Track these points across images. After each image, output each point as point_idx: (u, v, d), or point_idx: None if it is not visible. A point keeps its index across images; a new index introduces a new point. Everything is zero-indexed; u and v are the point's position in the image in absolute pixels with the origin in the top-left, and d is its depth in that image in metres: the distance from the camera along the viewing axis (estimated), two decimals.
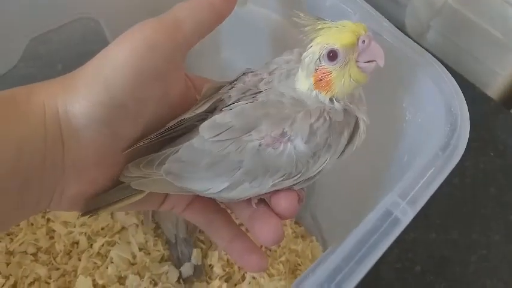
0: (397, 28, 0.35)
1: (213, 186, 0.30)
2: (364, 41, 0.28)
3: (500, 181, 0.64)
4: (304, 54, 0.30)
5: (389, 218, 0.26)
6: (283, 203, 0.31)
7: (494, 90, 0.71)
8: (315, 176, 0.30)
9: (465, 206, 0.62)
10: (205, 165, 0.29)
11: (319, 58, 0.29)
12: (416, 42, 0.32)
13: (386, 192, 0.33)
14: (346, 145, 0.30)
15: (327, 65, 0.29)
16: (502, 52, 0.67)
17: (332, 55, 0.28)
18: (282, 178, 0.29)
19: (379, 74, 0.31)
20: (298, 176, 0.29)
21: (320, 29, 0.29)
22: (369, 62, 0.29)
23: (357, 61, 0.29)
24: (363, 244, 0.25)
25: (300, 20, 0.30)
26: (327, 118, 0.29)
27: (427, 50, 0.32)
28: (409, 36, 0.34)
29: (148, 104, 0.31)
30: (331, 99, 0.30)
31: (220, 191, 0.30)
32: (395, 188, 0.28)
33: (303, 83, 0.30)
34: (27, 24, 0.45)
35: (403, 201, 0.27)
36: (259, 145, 0.29)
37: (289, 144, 0.29)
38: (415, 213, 0.27)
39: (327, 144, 0.29)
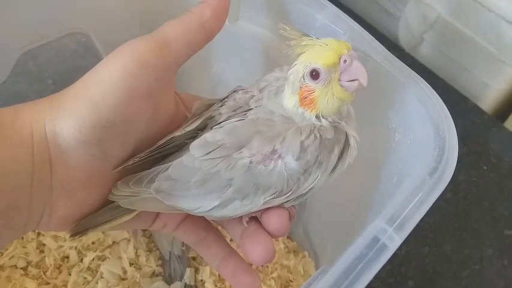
0: (390, 41, 0.35)
1: (203, 205, 0.30)
2: (345, 61, 0.28)
3: (494, 195, 0.64)
4: (289, 71, 0.30)
5: (376, 245, 0.26)
6: (274, 221, 0.30)
7: (487, 103, 0.71)
8: (306, 193, 0.30)
9: (458, 220, 0.62)
10: (195, 183, 0.29)
11: (303, 76, 0.29)
12: (410, 55, 0.33)
13: (376, 211, 0.33)
14: (337, 162, 0.30)
15: (310, 83, 0.29)
16: (494, 65, 0.67)
17: (314, 74, 0.29)
18: (273, 196, 0.29)
19: (368, 94, 0.31)
20: (290, 193, 0.29)
21: (305, 45, 0.29)
22: (352, 80, 0.29)
23: (339, 80, 0.29)
24: (350, 272, 0.25)
25: (286, 33, 0.30)
26: (317, 135, 0.29)
27: (419, 63, 0.32)
28: (402, 49, 0.35)
29: (138, 124, 0.30)
30: (317, 117, 0.30)
31: (210, 209, 0.30)
32: (382, 214, 0.27)
33: (289, 100, 0.30)
34: (17, 38, 0.45)
35: (390, 228, 0.27)
36: (250, 162, 0.29)
37: (280, 161, 0.29)
38: (403, 239, 0.27)
39: (317, 162, 0.29)
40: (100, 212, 0.32)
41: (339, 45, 0.29)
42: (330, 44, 0.29)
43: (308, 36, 0.30)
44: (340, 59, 0.29)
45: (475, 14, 0.65)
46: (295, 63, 0.30)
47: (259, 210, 0.31)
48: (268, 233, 0.31)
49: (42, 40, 0.46)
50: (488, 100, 0.71)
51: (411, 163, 0.33)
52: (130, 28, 0.48)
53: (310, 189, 0.30)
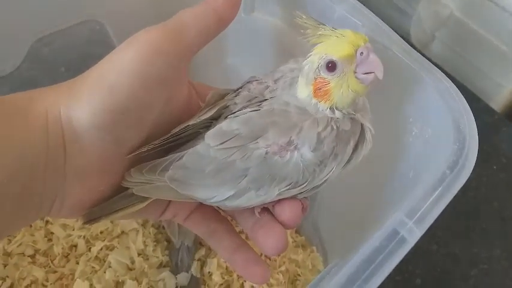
0: (402, 38, 0.34)
1: (217, 194, 0.30)
2: (362, 53, 0.28)
3: (503, 195, 0.64)
4: (304, 62, 0.30)
5: (396, 238, 0.26)
6: (288, 211, 0.30)
7: (498, 102, 0.71)
8: (321, 184, 0.30)
9: (467, 219, 0.61)
10: (210, 172, 0.29)
11: (318, 68, 0.29)
12: (421, 53, 0.32)
13: (389, 207, 0.33)
14: (352, 154, 0.30)
15: (325, 75, 0.29)
16: (506, 65, 0.66)
17: (330, 66, 0.28)
18: (288, 187, 0.29)
19: (386, 87, 0.31)
20: (305, 184, 0.29)
21: (320, 35, 0.29)
22: (367, 73, 0.28)
23: (355, 72, 0.29)
24: (369, 264, 0.25)
25: (302, 21, 0.30)
26: (334, 127, 0.29)
27: (431, 60, 0.31)
28: (414, 47, 0.34)
29: (152, 110, 0.30)
30: (331, 109, 0.30)
31: (225, 199, 0.30)
32: (402, 207, 0.27)
33: (303, 91, 0.30)
34: (31, 25, 0.45)
35: (410, 221, 0.26)
36: (266, 153, 0.28)
37: (296, 152, 0.28)
38: (422, 232, 0.26)
39: (333, 153, 0.29)
40: (113, 200, 0.31)
41: (356, 37, 0.28)
42: (346, 36, 0.29)
43: (324, 26, 0.30)
44: (356, 51, 0.28)
45: (488, 13, 0.64)
46: (310, 53, 0.30)
47: (272, 201, 0.30)
48: (281, 223, 0.31)
49: (56, 27, 0.46)
50: (499, 99, 0.71)
51: (429, 158, 0.33)
52: (144, 16, 0.48)
53: (325, 180, 0.30)
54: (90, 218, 0.31)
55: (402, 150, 0.36)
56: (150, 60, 0.28)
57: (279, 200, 0.30)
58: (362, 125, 0.30)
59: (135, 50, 0.28)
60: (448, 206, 0.29)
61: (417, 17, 0.72)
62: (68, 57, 0.48)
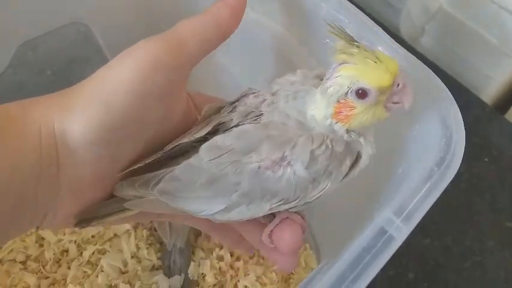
0: (392, 32, 0.34)
1: (208, 208, 0.29)
2: (399, 85, 0.27)
3: (495, 187, 0.64)
4: (329, 83, 0.28)
5: (383, 237, 0.26)
6: (288, 239, 0.30)
7: (488, 95, 0.71)
8: (313, 201, 0.30)
9: (459, 212, 0.61)
10: (201, 184, 0.29)
11: (346, 92, 0.27)
12: (411, 47, 0.32)
13: (380, 203, 0.33)
14: (348, 171, 0.29)
15: (354, 100, 0.27)
16: (496, 57, 0.66)
17: (362, 93, 0.27)
18: (280, 203, 0.29)
19: None
20: (297, 201, 0.29)
21: (353, 55, 0.27)
22: (396, 102, 0.28)
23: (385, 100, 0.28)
24: (357, 263, 0.25)
25: (333, 32, 0.28)
26: (329, 146, 0.28)
27: (421, 54, 0.31)
28: (403, 41, 0.34)
29: (149, 125, 0.30)
30: (347, 131, 0.29)
31: (215, 213, 0.29)
32: (389, 204, 0.27)
33: (320, 110, 0.29)
34: (15, 29, 0.44)
35: (397, 219, 0.26)
36: (258, 167, 0.28)
37: (289, 168, 0.28)
38: (410, 230, 0.26)
39: (327, 171, 0.28)
40: (105, 203, 0.31)
41: (393, 65, 0.27)
42: (384, 62, 0.26)
43: (358, 43, 0.27)
44: (394, 82, 0.27)
45: (477, 5, 0.64)
46: (337, 74, 0.27)
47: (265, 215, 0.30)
48: (280, 249, 0.30)
49: (41, 31, 0.45)
50: (489, 92, 0.71)
51: (417, 154, 0.33)
52: (130, 18, 0.48)
53: (318, 197, 0.29)
54: (82, 219, 0.31)
55: (391, 147, 0.36)
56: (148, 75, 0.28)
57: (279, 224, 0.30)
58: (360, 147, 0.29)
59: (133, 65, 0.27)
60: (439, 199, 0.29)
61: (406, 11, 0.72)
62: (53, 60, 0.48)
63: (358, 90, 0.27)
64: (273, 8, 0.40)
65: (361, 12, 0.35)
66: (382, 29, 0.35)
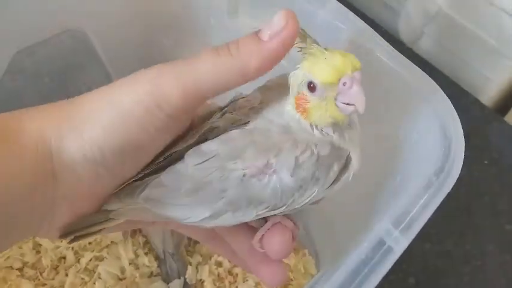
0: (391, 35, 0.34)
1: (193, 215, 0.29)
2: (345, 83, 0.27)
3: (495, 190, 0.64)
4: (291, 73, 0.29)
5: (382, 248, 0.26)
6: (277, 244, 0.29)
7: (488, 97, 0.71)
8: (302, 206, 0.29)
9: (459, 215, 0.61)
10: (186, 190, 0.28)
11: (301, 83, 0.28)
12: (410, 49, 0.32)
13: (379, 210, 0.33)
14: (338, 176, 0.29)
15: (306, 92, 0.28)
16: (496, 59, 0.66)
17: (312, 87, 0.27)
18: (266, 209, 0.28)
19: (372, 91, 0.30)
20: (284, 207, 0.28)
21: (310, 53, 0.28)
22: (348, 104, 0.27)
23: (335, 99, 0.27)
24: (354, 276, 0.25)
25: (300, 35, 0.28)
26: (315, 152, 0.28)
27: (420, 56, 0.31)
28: (403, 43, 0.34)
29: (151, 153, 0.29)
30: (310, 125, 0.29)
31: (201, 220, 0.29)
32: (387, 215, 0.27)
33: (290, 102, 0.29)
34: (12, 36, 0.44)
35: (396, 230, 0.26)
36: (244, 175, 0.28)
37: (274, 176, 0.27)
38: (409, 242, 0.26)
39: (314, 178, 0.28)
40: (91, 215, 0.30)
41: (344, 64, 0.27)
42: (334, 60, 0.27)
43: (318, 45, 0.28)
44: (340, 80, 0.27)
45: (476, 7, 0.64)
46: (298, 65, 0.29)
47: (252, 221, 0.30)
48: (269, 255, 0.30)
49: (38, 38, 0.45)
50: (488, 94, 0.70)
51: (416, 162, 0.32)
52: (127, 24, 0.48)
53: (306, 203, 0.29)
54: (68, 232, 0.30)
55: (389, 154, 0.36)
56: (152, 112, 0.26)
57: (269, 231, 0.30)
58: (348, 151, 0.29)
59: (137, 96, 0.26)
60: (440, 202, 0.29)
61: (405, 14, 0.72)
62: (51, 67, 0.48)
63: (309, 83, 0.27)
64: (268, 15, 0.40)
65: (358, 18, 0.35)
66: (381, 31, 0.34)
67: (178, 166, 0.29)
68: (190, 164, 0.28)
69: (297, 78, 0.28)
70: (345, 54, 0.27)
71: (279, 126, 0.29)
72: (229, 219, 0.29)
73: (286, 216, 0.31)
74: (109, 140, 0.27)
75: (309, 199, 0.28)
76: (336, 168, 0.28)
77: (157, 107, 0.26)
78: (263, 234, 0.30)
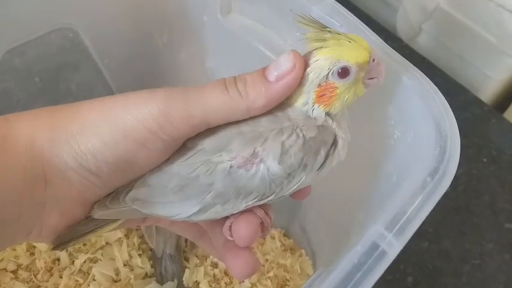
0: (388, 31, 0.33)
1: (182, 211, 0.28)
2: (373, 59, 0.28)
3: (494, 188, 0.63)
4: (309, 69, 0.28)
5: (375, 252, 0.25)
6: (243, 229, 0.28)
7: (486, 94, 0.70)
8: (289, 193, 0.29)
9: (458, 214, 0.60)
10: (173, 188, 0.28)
11: (328, 73, 0.27)
12: (408, 46, 0.31)
13: (375, 210, 0.32)
14: (324, 162, 0.28)
15: (335, 80, 0.27)
16: (495, 56, 0.65)
17: (343, 72, 0.27)
18: (255, 200, 0.28)
19: (367, 90, 0.30)
20: (272, 196, 0.28)
21: (326, 40, 0.27)
22: (371, 78, 0.28)
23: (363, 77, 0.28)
24: (347, 281, 0.24)
25: (303, 22, 0.28)
26: (300, 135, 0.27)
27: (418, 53, 0.30)
28: (400, 40, 0.33)
29: (145, 168, 0.29)
30: (327, 114, 0.28)
31: (190, 215, 0.28)
32: (381, 218, 0.26)
33: (299, 97, 0.28)
34: (1, 35, 0.43)
35: (389, 233, 0.25)
36: (230, 167, 0.27)
37: (262, 165, 0.27)
38: (403, 245, 0.25)
39: (302, 164, 0.27)
40: (84, 222, 0.30)
41: (365, 42, 0.28)
42: (359, 41, 0.27)
43: (329, 28, 0.28)
44: (370, 57, 0.27)
45: (474, 4, 0.63)
46: (315, 59, 0.27)
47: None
48: (236, 241, 0.29)
49: (28, 37, 0.44)
50: (488, 91, 0.70)
51: (411, 161, 0.32)
52: (119, 23, 0.47)
53: (293, 190, 0.28)
54: (60, 242, 0.30)
55: (385, 153, 0.35)
56: (157, 132, 0.26)
57: (237, 217, 0.29)
58: (335, 134, 0.29)
59: (144, 116, 0.26)
60: (438, 201, 0.28)
61: (403, 10, 0.71)
62: (42, 67, 0.47)
63: (339, 69, 0.27)
64: (263, 12, 0.39)
65: (353, 15, 0.34)
66: (379, 28, 0.34)
67: (163, 165, 0.28)
68: (176, 161, 0.28)
69: (322, 70, 0.27)
70: (355, 35, 0.28)
71: (268, 115, 0.28)
72: (218, 212, 0.28)
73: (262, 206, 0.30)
74: (106, 153, 0.26)
75: (296, 185, 0.28)
76: (322, 153, 0.28)
77: (161, 129, 0.26)
78: (232, 222, 0.29)
